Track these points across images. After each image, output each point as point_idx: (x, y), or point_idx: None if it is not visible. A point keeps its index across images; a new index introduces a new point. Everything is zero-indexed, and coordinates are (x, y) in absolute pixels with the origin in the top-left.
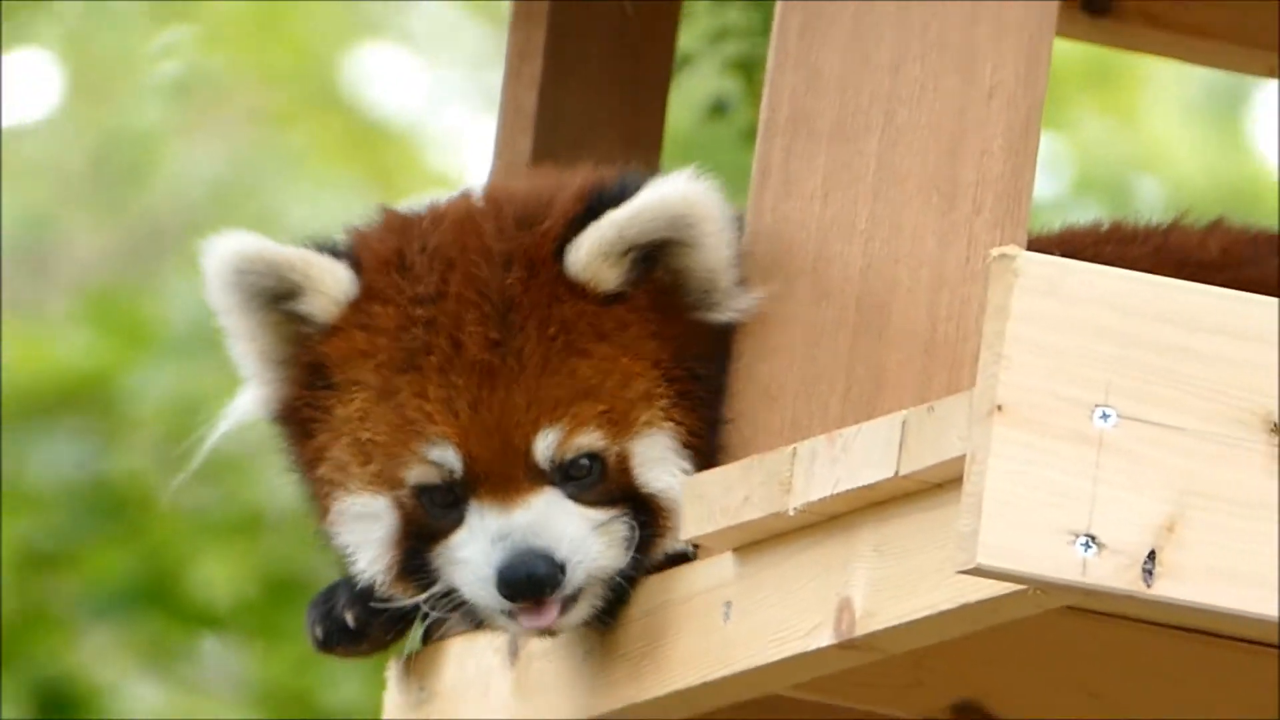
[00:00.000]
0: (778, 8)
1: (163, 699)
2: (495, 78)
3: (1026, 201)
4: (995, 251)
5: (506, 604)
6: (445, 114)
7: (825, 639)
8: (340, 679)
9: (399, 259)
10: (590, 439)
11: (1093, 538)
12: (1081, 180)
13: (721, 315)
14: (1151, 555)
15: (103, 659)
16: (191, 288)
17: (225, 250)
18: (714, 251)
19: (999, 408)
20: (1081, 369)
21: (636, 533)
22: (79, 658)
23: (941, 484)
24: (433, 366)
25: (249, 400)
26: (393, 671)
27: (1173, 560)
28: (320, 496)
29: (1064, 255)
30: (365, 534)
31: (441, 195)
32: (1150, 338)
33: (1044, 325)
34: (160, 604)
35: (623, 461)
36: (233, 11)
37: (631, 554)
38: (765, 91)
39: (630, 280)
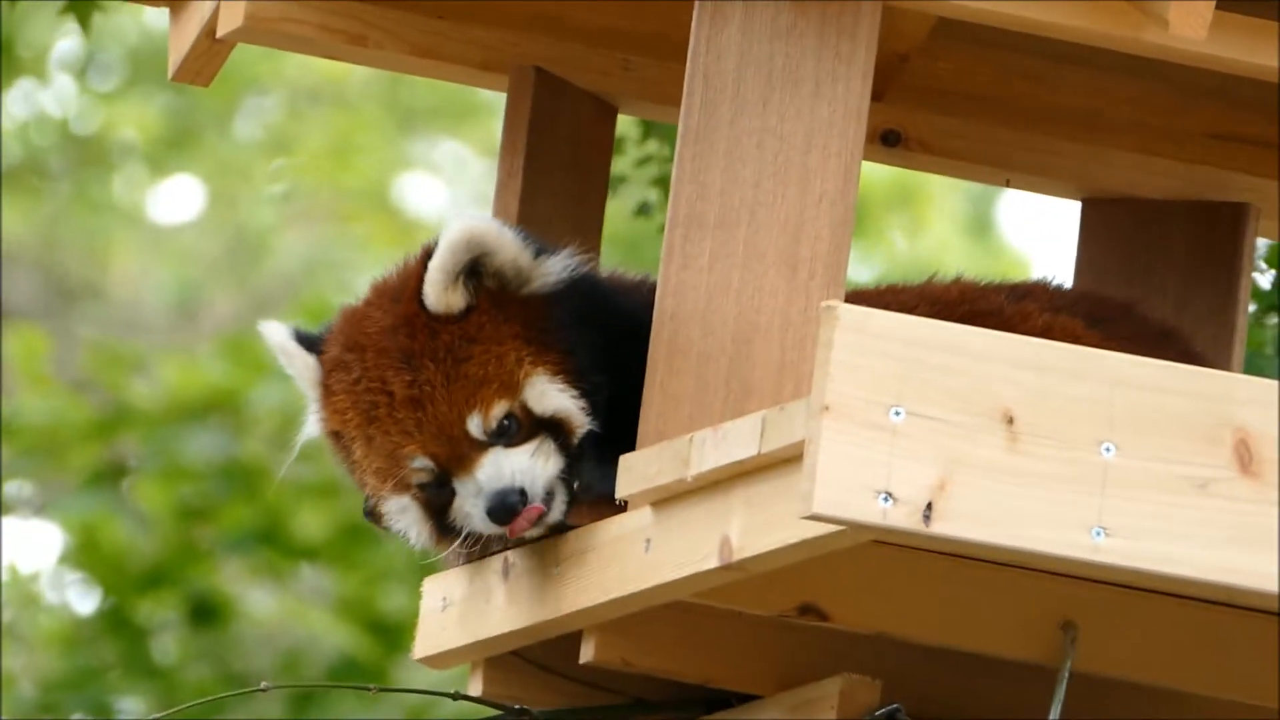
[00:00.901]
0: (678, 143)
1: (275, 606)
2: (489, 190)
3: (844, 271)
4: (824, 304)
5: (502, 529)
6: (460, 214)
7: (713, 563)
8: (393, 593)
9: (338, 359)
10: (498, 409)
11: (890, 494)
12: (888, 277)
13: (540, 284)
14: (929, 506)
15: (235, 580)
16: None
17: (264, 334)
18: (506, 249)
19: (827, 407)
20: (881, 381)
21: (555, 442)
22: (219, 580)
23: (789, 459)
24: (383, 415)
25: (311, 422)
26: (427, 588)
27: (942, 508)
28: (370, 501)
29: (867, 304)
30: (406, 521)
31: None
32: (924, 359)
33: (855, 352)
34: (273, 542)
35: (524, 407)
36: (319, 147)
37: (564, 456)
38: (670, 199)
39: (471, 294)
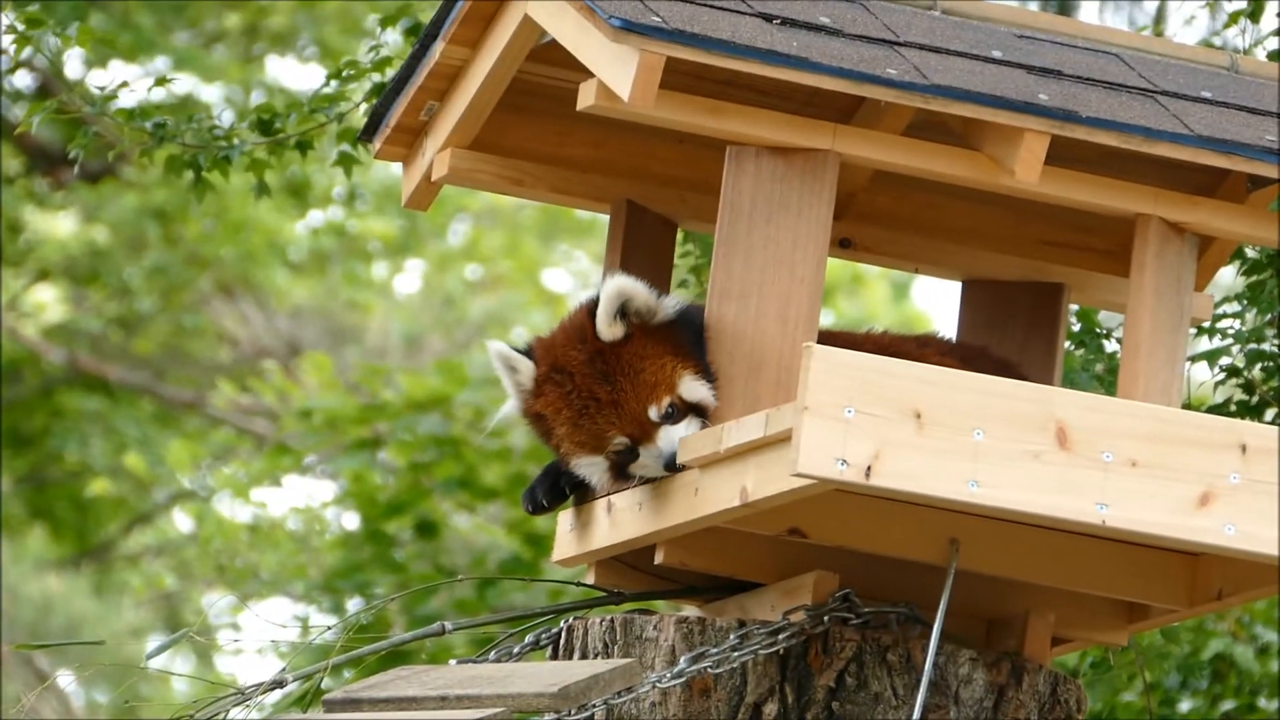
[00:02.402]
0: (715, 244)
1: (471, 526)
2: (598, 277)
3: (816, 325)
4: (804, 345)
5: (673, 473)
6: (611, 276)
7: (736, 502)
8: (541, 521)
9: (548, 375)
10: (666, 400)
11: (845, 460)
12: (841, 326)
13: (665, 315)
14: (869, 468)
15: (446, 508)
16: (480, 359)
17: (491, 348)
18: (640, 295)
19: (806, 408)
20: (840, 391)
21: (699, 419)
22: (436, 508)
23: (783, 440)
24: (593, 411)
25: (510, 407)
26: (561, 518)
27: (877, 469)
28: (564, 459)
29: (832, 344)
30: (593, 470)
31: (554, 331)
32: (866, 378)
33: (824, 373)
34: (469, 487)
35: (680, 398)
36: (494, 245)
37: (702, 427)
38: (710, 279)
39: (625, 328)
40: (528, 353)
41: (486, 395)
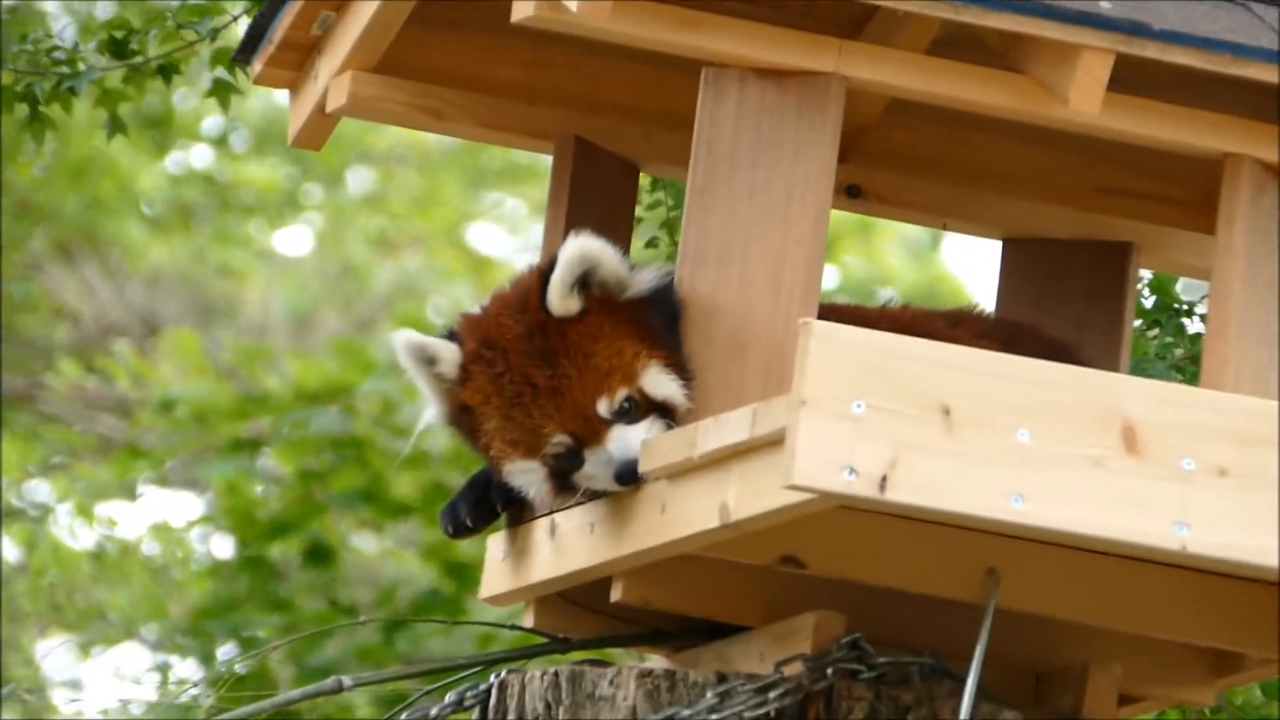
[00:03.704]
0: (686, 195)
1: (375, 551)
2: (538, 235)
3: (817, 294)
4: (801, 321)
5: (624, 488)
6: (524, 255)
7: (714, 523)
8: (464, 545)
9: (476, 353)
10: (621, 393)
11: (854, 469)
12: (847, 290)
13: (637, 290)
14: (884, 478)
15: (344, 527)
16: (388, 344)
17: (397, 341)
18: (610, 263)
19: (804, 401)
20: (846, 380)
21: (664, 423)
22: (332, 528)
23: (774, 442)
24: (528, 400)
25: (431, 413)
26: (491, 543)
27: (894, 480)
28: (495, 464)
29: (836, 319)
30: (529, 479)
31: (488, 303)
32: (880, 364)
33: (826, 357)
34: (375, 501)
35: (642, 393)
36: (406, 198)
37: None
38: (681, 238)
39: (583, 301)
40: (450, 335)
41: (398, 383)
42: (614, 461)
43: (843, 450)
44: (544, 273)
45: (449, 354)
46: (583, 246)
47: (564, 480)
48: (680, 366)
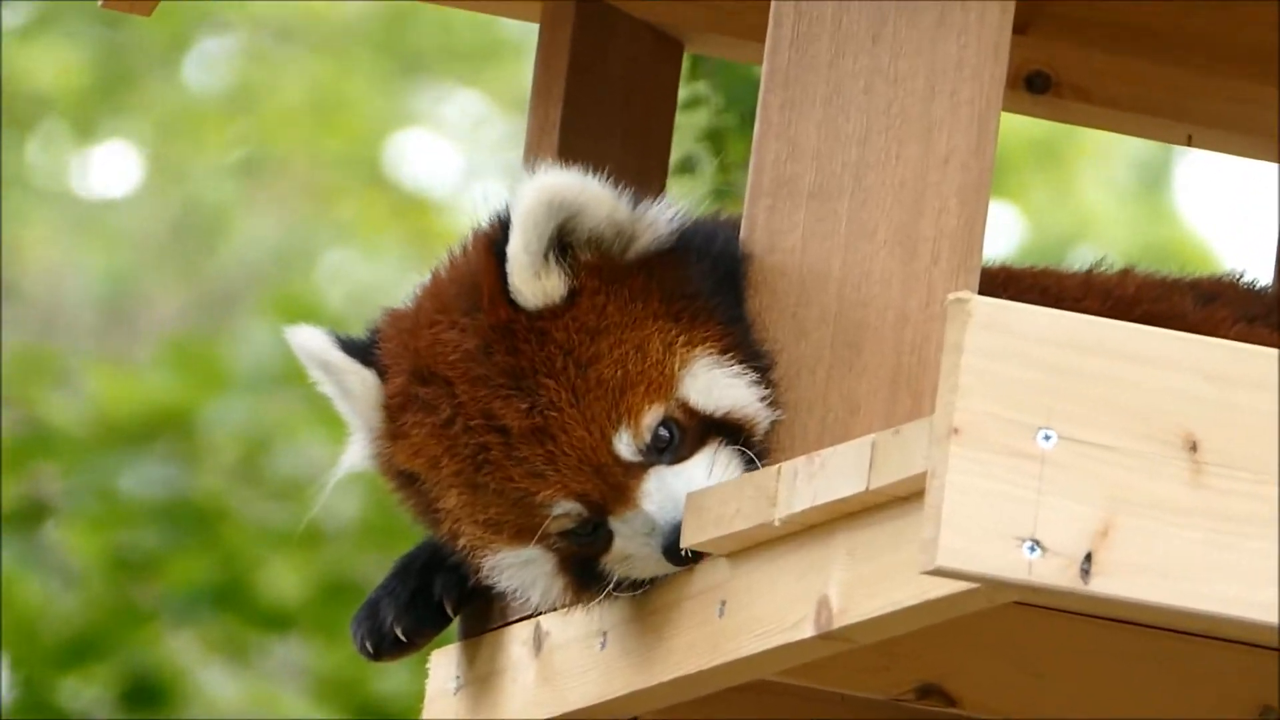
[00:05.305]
0: (761, 87)
1: (236, 688)
2: (516, 156)
3: (978, 252)
4: (951, 296)
5: (681, 568)
6: (475, 188)
7: (807, 632)
8: (390, 670)
9: (408, 393)
10: (651, 416)
11: (1037, 542)
12: (1029, 246)
13: (650, 240)
14: (1088, 557)
15: (184, 652)
16: (256, 336)
17: (295, 342)
18: (597, 205)
19: (955, 430)
20: (1026, 396)
21: (735, 450)
22: (164, 651)
23: (906, 497)
24: (500, 456)
25: (357, 452)
26: (435, 665)
27: (1106, 560)
28: (470, 557)
29: (1011, 294)
30: (529, 575)
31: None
32: (1083, 368)
33: (993, 358)
34: (234, 605)
35: (686, 406)
36: (290, 103)
37: (747, 462)
38: (752, 159)
39: (570, 273)
40: (365, 347)
41: (261, 409)
42: (659, 530)
43: (1021, 511)
44: (495, 241)
45: (360, 384)
46: (551, 187)
47: (587, 570)
48: (748, 350)
